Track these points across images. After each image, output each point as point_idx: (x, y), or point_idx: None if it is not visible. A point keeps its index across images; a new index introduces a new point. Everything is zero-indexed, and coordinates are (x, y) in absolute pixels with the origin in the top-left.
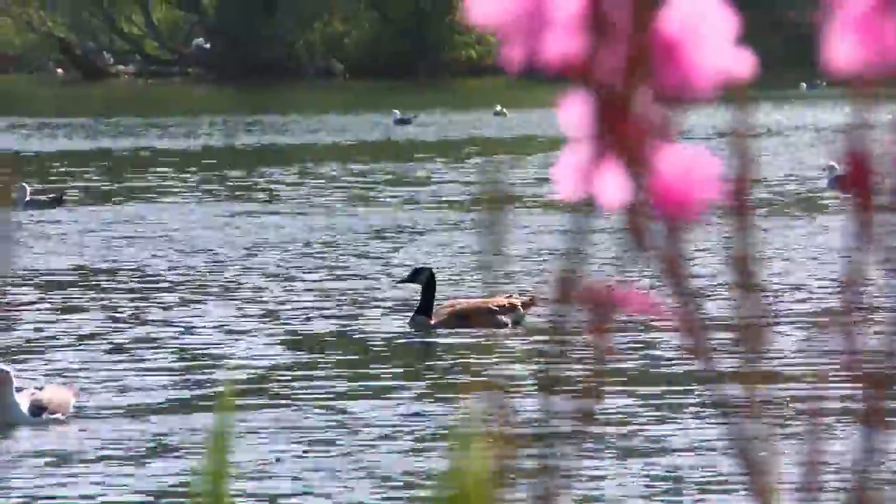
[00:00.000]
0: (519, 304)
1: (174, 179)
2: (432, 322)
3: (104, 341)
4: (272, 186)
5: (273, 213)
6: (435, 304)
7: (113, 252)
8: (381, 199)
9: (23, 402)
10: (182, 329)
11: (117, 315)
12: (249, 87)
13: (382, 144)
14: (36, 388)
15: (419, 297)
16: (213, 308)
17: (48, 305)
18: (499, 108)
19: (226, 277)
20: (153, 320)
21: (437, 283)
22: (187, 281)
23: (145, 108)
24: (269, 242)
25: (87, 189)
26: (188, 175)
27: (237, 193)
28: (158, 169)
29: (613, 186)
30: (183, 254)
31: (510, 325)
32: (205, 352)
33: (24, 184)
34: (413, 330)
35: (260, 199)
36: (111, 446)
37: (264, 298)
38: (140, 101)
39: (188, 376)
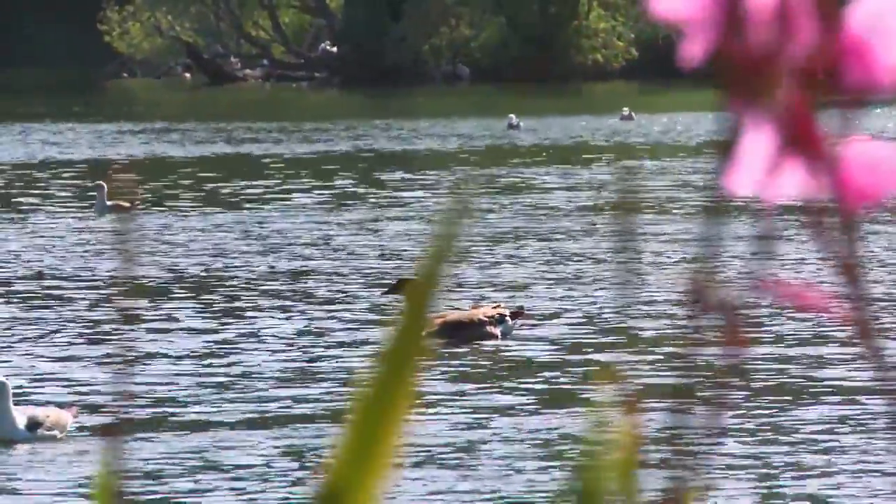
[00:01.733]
0: (508, 314)
1: (293, 184)
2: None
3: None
4: (389, 192)
5: (393, 219)
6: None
7: (220, 257)
8: (492, 205)
9: (19, 416)
10: (286, 336)
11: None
12: (375, 92)
13: (493, 150)
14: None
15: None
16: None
17: (156, 314)
18: (626, 111)
19: (337, 283)
20: (245, 325)
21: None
22: (295, 285)
23: (271, 112)
24: (383, 248)
25: (207, 193)
26: (308, 180)
27: (351, 199)
28: (281, 174)
29: (791, 183)
30: (297, 258)
31: (499, 337)
32: (310, 359)
33: (101, 183)
34: None
35: (377, 205)
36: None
37: (362, 307)
38: (266, 106)
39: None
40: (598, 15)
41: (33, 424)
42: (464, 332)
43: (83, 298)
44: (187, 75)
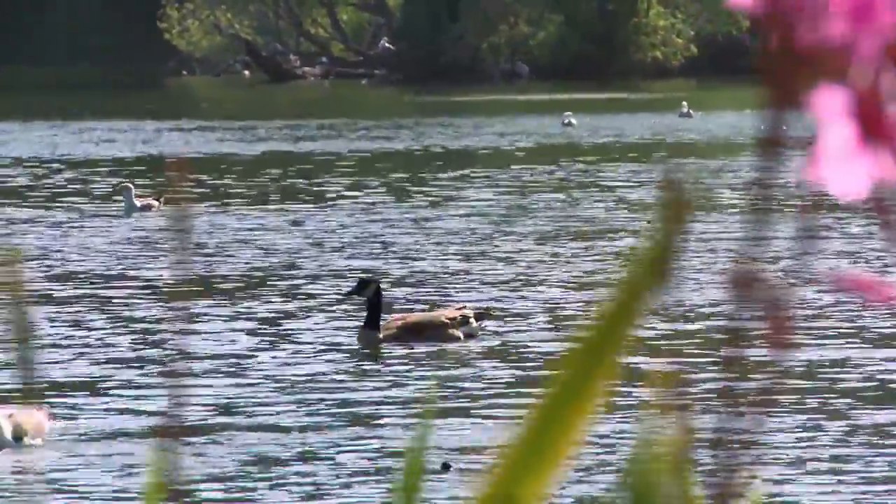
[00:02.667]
0: (472, 316)
1: (351, 181)
2: (381, 336)
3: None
4: (446, 189)
5: (450, 217)
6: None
7: (277, 255)
8: (542, 204)
9: (5, 425)
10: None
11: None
12: (434, 90)
13: (547, 148)
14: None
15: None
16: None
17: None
18: (685, 108)
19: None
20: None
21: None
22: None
23: (330, 110)
24: (432, 244)
25: (264, 190)
26: (366, 177)
27: (409, 196)
28: (339, 171)
29: (868, 175)
30: (356, 256)
31: (463, 339)
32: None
33: (128, 185)
34: (361, 346)
35: (435, 203)
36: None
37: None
38: (325, 104)
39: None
40: (658, 12)
41: (17, 434)
42: (425, 333)
43: (119, 298)
44: (246, 73)
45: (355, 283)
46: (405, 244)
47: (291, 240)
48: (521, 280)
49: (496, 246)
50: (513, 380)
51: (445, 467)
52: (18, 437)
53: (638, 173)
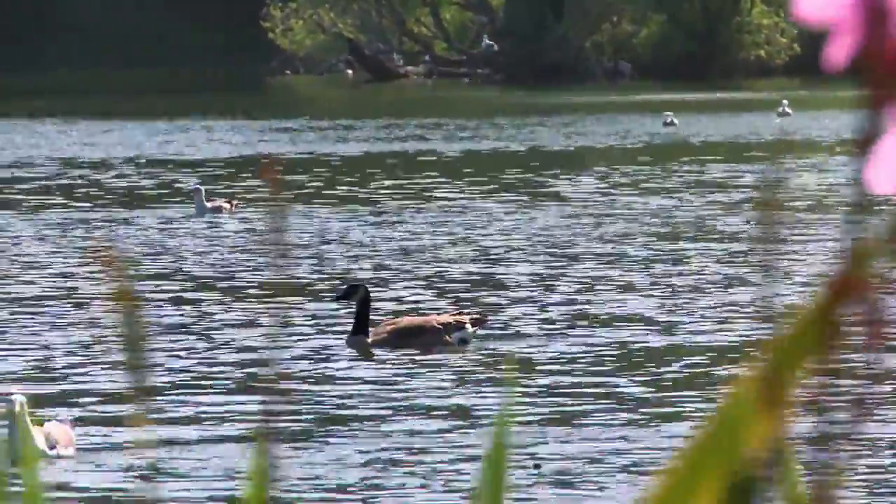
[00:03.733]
0: (467, 321)
1: (454, 181)
2: (370, 341)
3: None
4: (548, 188)
5: (552, 215)
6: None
7: (378, 255)
8: (639, 204)
9: (38, 435)
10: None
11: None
12: (536, 89)
13: (647, 148)
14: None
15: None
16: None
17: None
18: (784, 107)
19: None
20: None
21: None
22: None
23: (433, 109)
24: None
25: (366, 189)
26: (469, 176)
27: (511, 195)
28: (442, 170)
29: None
30: (457, 254)
31: (456, 344)
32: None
33: (199, 186)
34: (351, 349)
35: (536, 201)
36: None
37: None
38: (428, 103)
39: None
40: (761, 11)
41: (50, 443)
42: (417, 338)
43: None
44: (349, 72)
45: (345, 288)
46: (501, 243)
47: (391, 239)
48: (620, 282)
49: (589, 246)
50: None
51: (536, 467)
52: (50, 447)
53: (735, 173)
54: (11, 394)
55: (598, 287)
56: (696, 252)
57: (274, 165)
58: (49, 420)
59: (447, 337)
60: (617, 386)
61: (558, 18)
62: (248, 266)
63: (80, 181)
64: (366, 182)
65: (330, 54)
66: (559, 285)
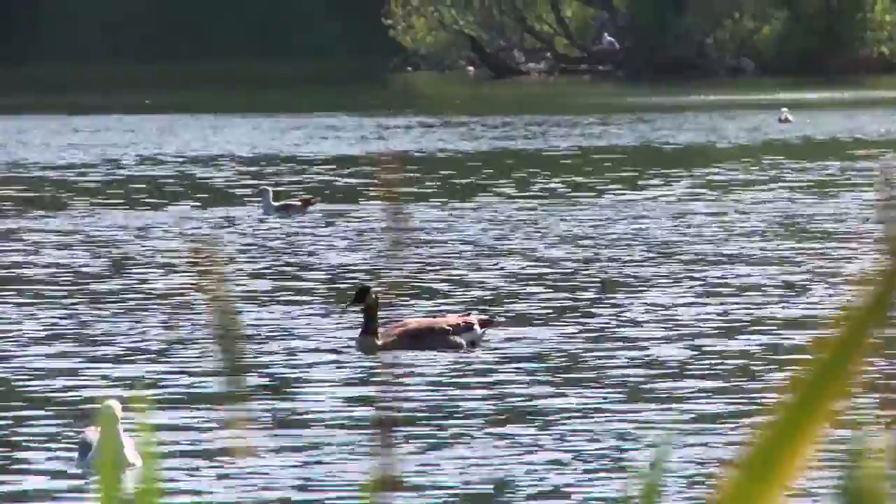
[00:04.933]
0: (476, 323)
1: (573, 177)
2: (379, 343)
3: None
4: (665, 186)
5: (667, 215)
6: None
7: (499, 252)
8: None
9: (129, 443)
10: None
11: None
12: (658, 85)
13: (760, 146)
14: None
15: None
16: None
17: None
18: None
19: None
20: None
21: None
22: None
23: (554, 106)
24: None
25: (486, 186)
26: (591, 174)
27: (630, 192)
28: (563, 167)
29: None
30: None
31: (465, 347)
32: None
33: (266, 187)
34: (360, 352)
35: (654, 198)
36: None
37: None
38: (549, 100)
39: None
40: (884, 7)
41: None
42: (426, 340)
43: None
44: (471, 69)
45: (354, 294)
46: (615, 239)
47: (510, 236)
48: (739, 281)
49: (696, 244)
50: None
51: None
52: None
53: (852, 171)
54: (107, 399)
55: (722, 288)
56: (817, 250)
57: (392, 163)
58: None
59: (456, 338)
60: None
61: (680, 15)
62: (310, 265)
63: (185, 177)
64: (483, 178)
65: (451, 51)
66: (690, 284)
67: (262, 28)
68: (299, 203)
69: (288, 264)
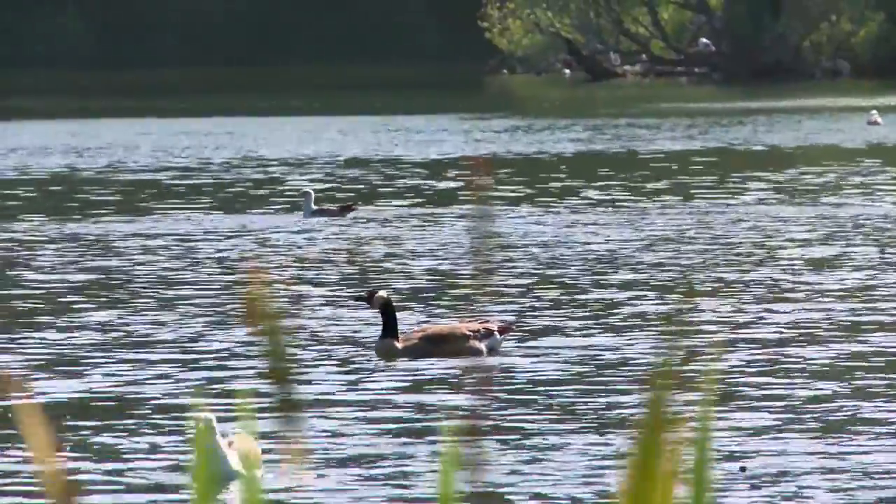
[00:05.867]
0: (495, 329)
1: (670, 179)
2: (400, 346)
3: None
4: (764, 187)
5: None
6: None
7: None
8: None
9: (229, 452)
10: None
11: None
12: (754, 88)
13: (847, 148)
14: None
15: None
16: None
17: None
18: None
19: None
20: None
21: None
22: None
23: (651, 109)
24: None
25: (582, 189)
26: (685, 175)
27: (725, 195)
28: (659, 170)
29: None
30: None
31: (485, 352)
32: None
33: (308, 190)
34: (379, 355)
35: (747, 201)
36: None
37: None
38: (646, 102)
39: None
40: None
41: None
42: (446, 345)
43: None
44: (567, 72)
45: (363, 294)
46: (708, 241)
47: (608, 239)
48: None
49: (784, 250)
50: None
51: (743, 469)
52: (245, 466)
53: None
54: (199, 411)
55: (810, 292)
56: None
57: (483, 166)
58: (235, 437)
59: (476, 344)
60: (834, 397)
61: (776, 18)
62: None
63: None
64: (579, 181)
65: (547, 54)
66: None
67: (359, 33)
68: (337, 208)
69: (333, 268)
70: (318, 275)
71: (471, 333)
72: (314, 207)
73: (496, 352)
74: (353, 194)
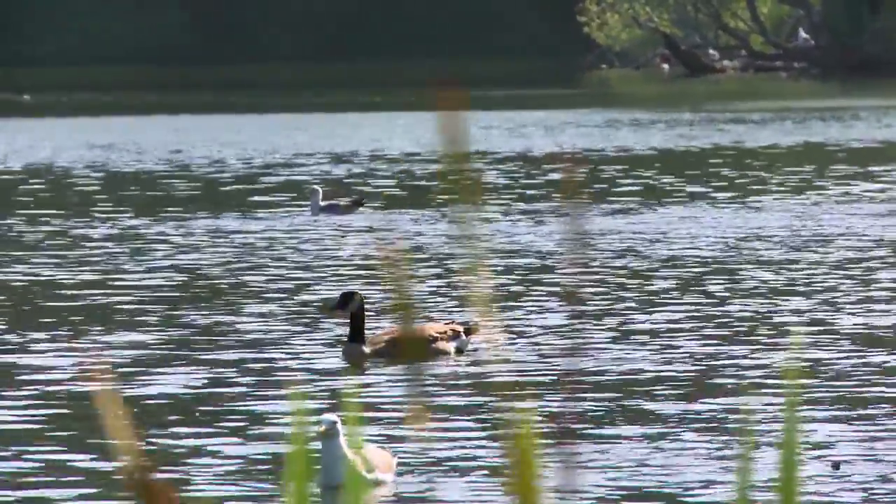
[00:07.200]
0: (462, 330)
1: (766, 176)
2: (367, 351)
3: None
4: (839, 185)
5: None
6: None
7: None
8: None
9: (355, 458)
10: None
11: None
12: (854, 83)
13: None
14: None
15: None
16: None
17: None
18: None
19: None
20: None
21: None
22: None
23: (751, 103)
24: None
25: (674, 186)
26: (782, 172)
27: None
28: (756, 166)
29: None
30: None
31: (453, 353)
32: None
33: (316, 187)
34: (346, 360)
35: (825, 197)
36: None
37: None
38: (745, 97)
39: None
40: None
41: (369, 468)
42: (411, 347)
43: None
44: (665, 66)
45: (339, 298)
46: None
47: (693, 235)
48: None
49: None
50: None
51: (836, 466)
52: (368, 471)
53: None
54: (323, 414)
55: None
56: None
57: (571, 161)
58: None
59: (444, 345)
60: None
61: (875, 12)
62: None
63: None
64: (669, 177)
65: (646, 48)
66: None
67: (460, 28)
68: (346, 203)
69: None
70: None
71: (438, 335)
72: (322, 203)
73: (464, 353)
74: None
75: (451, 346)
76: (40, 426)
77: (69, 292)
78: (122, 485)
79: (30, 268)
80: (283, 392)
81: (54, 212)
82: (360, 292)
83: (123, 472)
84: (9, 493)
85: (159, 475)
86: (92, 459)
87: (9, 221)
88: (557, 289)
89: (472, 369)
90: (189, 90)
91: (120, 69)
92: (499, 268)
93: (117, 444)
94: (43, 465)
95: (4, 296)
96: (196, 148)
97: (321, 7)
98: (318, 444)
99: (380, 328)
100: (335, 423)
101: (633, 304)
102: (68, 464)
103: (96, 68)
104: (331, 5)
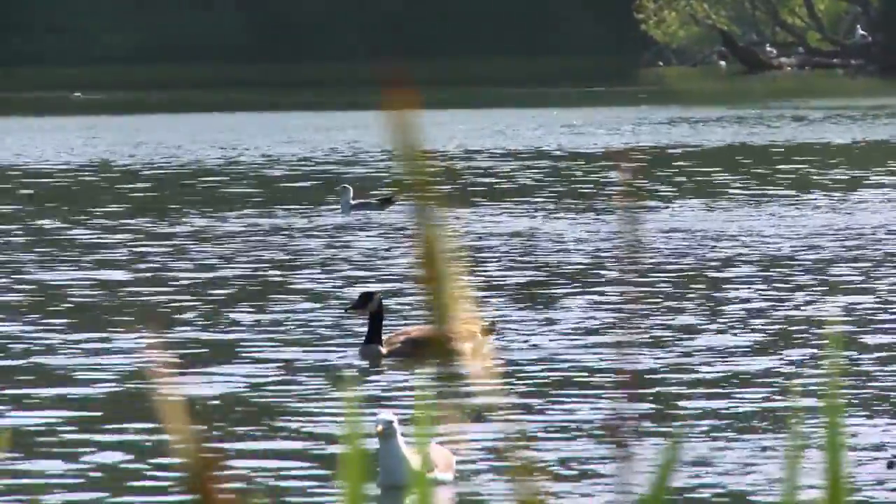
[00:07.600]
0: (478, 331)
1: (819, 174)
2: (384, 351)
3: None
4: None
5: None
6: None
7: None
8: None
9: (414, 459)
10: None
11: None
12: None
13: None
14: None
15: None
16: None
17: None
18: None
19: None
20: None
21: None
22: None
23: (807, 101)
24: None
25: (721, 184)
26: (847, 169)
27: (852, 190)
28: (808, 162)
29: None
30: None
31: (468, 354)
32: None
33: (346, 185)
34: (363, 360)
35: (870, 196)
36: None
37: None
38: (802, 94)
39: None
40: None
41: (428, 466)
42: (429, 348)
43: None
44: (722, 63)
45: (357, 298)
46: (840, 235)
47: (743, 233)
48: None
49: None
50: None
51: (891, 465)
52: (429, 470)
53: None
54: (380, 412)
55: None
56: None
57: (627, 160)
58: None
59: (461, 346)
60: None
61: None
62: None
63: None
64: (724, 176)
65: (703, 46)
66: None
67: (516, 27)
68: (377, 201)
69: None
70: None
71: (454, 336)
72: (353, 202)
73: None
74: (513, 186)
75: (469, 347)
76: (94, 426)
77: (121, 290)
78: (182, 485)
79: (77, 267)
80: (335, 391)
81: (108, 209)
82: (379, 292)
83: (183, 472)
84: (62, 495)
85: (220, 474)
86: (145, 460)
87: (58, 221)
88: (615, 288)
89: (500, 369)
90: (244, 87)
91: (175, 68)
92: (551, 266)
93: (177, 445)
94: (95, 466)
95: (55, 295)
96: (249, 147)
97: (373, 7)
98: (375, 444)
99: (401, 328)
100: (391, 422)
101: (693, 303)
102: (121, 465)
103: (141, 68)
104: (384, 4)
